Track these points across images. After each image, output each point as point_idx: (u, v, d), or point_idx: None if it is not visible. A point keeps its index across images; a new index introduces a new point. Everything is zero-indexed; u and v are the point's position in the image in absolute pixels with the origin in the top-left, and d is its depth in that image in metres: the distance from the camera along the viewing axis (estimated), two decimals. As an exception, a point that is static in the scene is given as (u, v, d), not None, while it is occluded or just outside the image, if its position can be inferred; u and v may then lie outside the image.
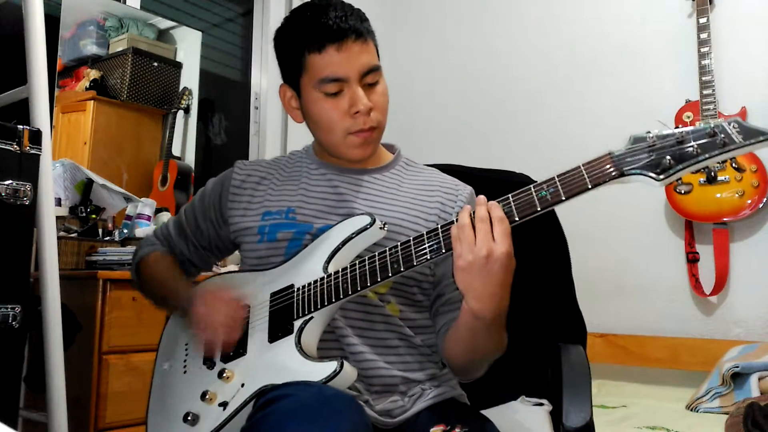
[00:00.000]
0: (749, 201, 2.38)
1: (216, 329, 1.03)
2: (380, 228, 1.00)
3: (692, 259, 2.56)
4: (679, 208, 2.51)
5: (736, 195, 2.38)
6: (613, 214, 2.73)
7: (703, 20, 2.56)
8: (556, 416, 1.19)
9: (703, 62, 2.53)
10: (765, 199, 2.37)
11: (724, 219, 2.44)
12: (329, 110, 1.08)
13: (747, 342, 2.36)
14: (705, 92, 2.50)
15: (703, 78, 2.51)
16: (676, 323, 2.62)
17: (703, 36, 2.55)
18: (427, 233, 0.94)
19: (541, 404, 1.24)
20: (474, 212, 0.90)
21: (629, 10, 2.86)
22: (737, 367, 2.12)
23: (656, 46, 2.76)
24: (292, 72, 1.12)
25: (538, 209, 0.88)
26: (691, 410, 2.14)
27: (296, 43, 1.09)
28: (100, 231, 2.25)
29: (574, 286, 1.35)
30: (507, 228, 0.89)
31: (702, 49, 2.54)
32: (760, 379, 2.07)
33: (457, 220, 0.92)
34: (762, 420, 1.73)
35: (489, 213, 0.89)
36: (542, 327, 1.32)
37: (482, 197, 0.92)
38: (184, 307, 1.09)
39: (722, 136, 0.82)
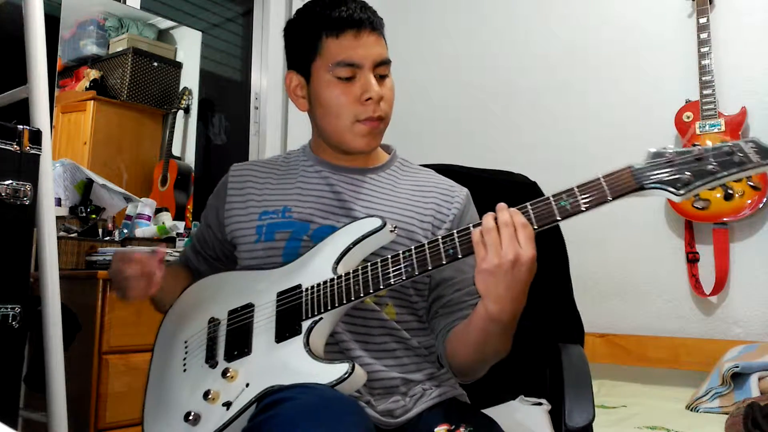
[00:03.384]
0: (749, 201, 2.38)
1: (129, 279, 1.05)
2: (390, 231, 1.00)
3: (692, 259, 2.56)
4: (679, 208, 2.51)
5: (736, 195, 2.38)
6: (613, 214, 2.73)
7: (703, 20, 2.56)
8: (555, 416, 1.19)
9: (703, 62, 2.52)
10: (765, 199, 2.37)
11: (724, 219, 2.44)
12: (340, 95, 1.09)
13: (747, 342, 2.36)
14: (705, 92, 2.50)
15: (703, 78, 2.51)
16: (676, 323, 2.62)
17: (703, 36, 2.55)
18: (442, 238, 0.94)
19: (540, 404, 1.24)
20: (497, 217, 0.90)
21: (629, 10, 2.86)
22: (737, 367, 2.12)
23: (656, 46, 2.76)
24: (304, 56, 1.13)
25: (558, 218, 0.89)
26: (691, 410, 2.14)
27: (313, 27, 1.10)
28: (100, 231, 2.25)
29: (572, 287, 1.35)
30: (531, 233, 0.89)
31: (702, 49, 2.54)
32: (760, 379, 2.07)
33: (473, 226, 0.92)
34: (762, 420, 1.73)
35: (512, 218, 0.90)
36: (540, 327, 1.32)
37: (503, 204, 0.92)
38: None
39: (740, 155, 0.83)
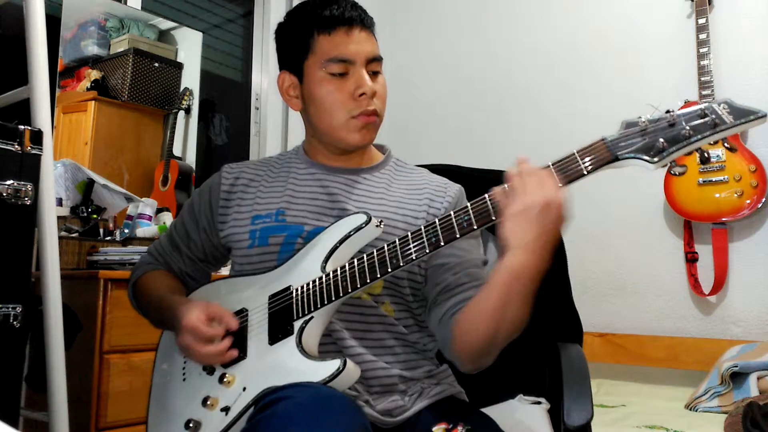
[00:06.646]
0: (748, 201, 2.38)
1: (200, 360, 1.03)
2: (376, 226, 1.00)
3: (691, 258, 2.57)
4: (678, 208, 2.52)
5: (735, 195, 2.39)
6: (612, 214, 2.74)
7: (702, 21, 2.57)
8: (554, 415, 1.19)
9: (702, 63, 2.53)
10: (764, 199, 2.37)
11: (723, 219, 2.44)
12: (333, 92, 1.10)
13: (746, 341, 2.36)
14: (704, 93, 2.50)
15: (702, 78, 2.52)
16: (675, 323, 2.62)
17: (702, 36, 2.55)
18: (425, 227, 0.95)
19: (539, 402, 1.24)
20: (520, 169, 0.91)
21: (628, 10, 2.86)
22: (736, 366, 2.12)
23: (655, 47, 2.77)
24: (296, 55, 1.14)
25: None
26: (690, 410, 2.14)
27: (305, 25, 1.12)
28: (101, 231, 2.26)
29: (571, 286, 1.35)
30: (556, 183, 0.89)
31: (701, 50, 2.55)
32: (758, 378, 2.07)
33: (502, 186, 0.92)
34: (761, 419, 1.73)
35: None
36: (539, 326, 1.32)
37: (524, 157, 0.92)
38: (176, 330, 1.06)
39: (713, 117, 0.83)
